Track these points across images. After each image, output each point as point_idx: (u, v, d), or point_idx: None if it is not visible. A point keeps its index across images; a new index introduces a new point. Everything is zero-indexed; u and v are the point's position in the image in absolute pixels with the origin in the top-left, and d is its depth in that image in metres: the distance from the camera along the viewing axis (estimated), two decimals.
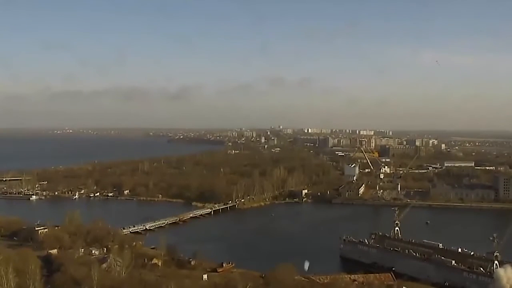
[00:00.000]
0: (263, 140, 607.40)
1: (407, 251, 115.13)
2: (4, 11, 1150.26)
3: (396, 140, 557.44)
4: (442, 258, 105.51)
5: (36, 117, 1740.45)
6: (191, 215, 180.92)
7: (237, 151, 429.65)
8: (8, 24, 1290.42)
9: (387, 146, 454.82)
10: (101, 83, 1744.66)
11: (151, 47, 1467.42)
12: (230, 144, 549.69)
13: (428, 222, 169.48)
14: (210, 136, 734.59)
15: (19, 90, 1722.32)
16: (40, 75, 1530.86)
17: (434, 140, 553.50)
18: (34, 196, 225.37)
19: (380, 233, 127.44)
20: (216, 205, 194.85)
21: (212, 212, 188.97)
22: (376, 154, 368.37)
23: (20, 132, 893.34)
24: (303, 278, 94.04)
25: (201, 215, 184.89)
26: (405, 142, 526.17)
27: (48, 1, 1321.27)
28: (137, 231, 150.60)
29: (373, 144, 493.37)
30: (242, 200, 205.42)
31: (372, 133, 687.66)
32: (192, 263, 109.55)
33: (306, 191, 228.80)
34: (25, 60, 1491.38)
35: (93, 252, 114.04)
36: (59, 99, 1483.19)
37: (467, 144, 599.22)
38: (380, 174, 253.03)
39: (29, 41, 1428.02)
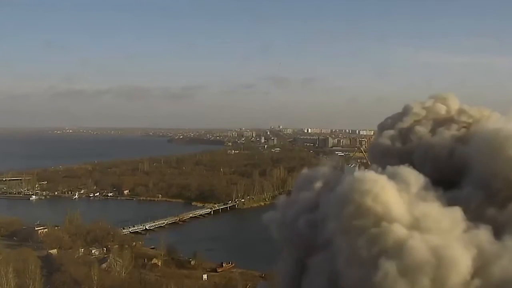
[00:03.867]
0: (263, 140, 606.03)
1: None
2: (5, 10, 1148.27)
3: None
4: None
5: (38, 116, 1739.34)
6: (191, 215, 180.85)
7: (237, 151, 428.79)
8: (9, 24, 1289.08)
9: None
10: (103, 82, 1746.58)
11: (153, 47, 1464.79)
12: (230, 144, 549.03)
13: None
14: (210, 136, 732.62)
15: (22, 89, 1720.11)
16: (42, 75, 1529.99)
17: None
18: (34, 196, 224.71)
19: None
20: (216, 205, 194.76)
21: (212, 212, 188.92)
22: None
23: (21, 132, 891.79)
24: None
25: (201, 215, 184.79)
26: None
27: (49, 1, 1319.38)
28: (137, 231, 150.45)
29: None
30: (242, 200, 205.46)
31: (372, 133, 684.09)
32: (192, 263, 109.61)
33: None
34: (27, 60, 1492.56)
35: (93, 252, 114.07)
36: (61, 98, 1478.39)
37: None
38: None
39: (30, 41, 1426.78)
